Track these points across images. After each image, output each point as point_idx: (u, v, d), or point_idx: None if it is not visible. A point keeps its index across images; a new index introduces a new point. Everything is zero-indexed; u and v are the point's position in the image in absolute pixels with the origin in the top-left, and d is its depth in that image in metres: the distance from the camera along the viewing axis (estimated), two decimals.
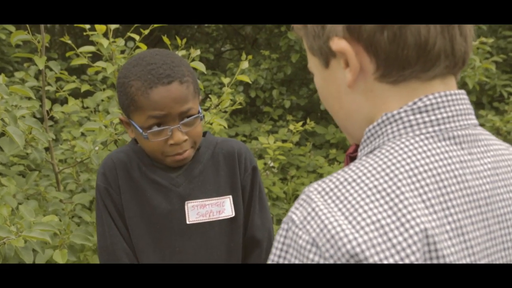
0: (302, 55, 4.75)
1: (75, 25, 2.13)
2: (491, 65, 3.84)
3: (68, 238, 1.75)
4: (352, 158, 0.75)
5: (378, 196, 0.57)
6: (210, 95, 2.42)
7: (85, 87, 2.32)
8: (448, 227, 0.57)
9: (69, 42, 2.09)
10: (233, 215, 1.32)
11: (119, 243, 1.29)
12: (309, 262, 0.55)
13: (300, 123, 3.23)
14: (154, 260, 1.28)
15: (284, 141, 3.75)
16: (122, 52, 2.50)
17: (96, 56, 2.16)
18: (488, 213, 0.62)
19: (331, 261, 0.54)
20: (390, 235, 0.54)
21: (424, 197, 0.57)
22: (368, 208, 0.56)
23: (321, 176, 3.93)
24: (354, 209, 0.56)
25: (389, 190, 0.57)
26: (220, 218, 1.31)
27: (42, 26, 1.93)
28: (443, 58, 0.63)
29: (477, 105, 4.63)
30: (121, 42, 2.10)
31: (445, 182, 0.59)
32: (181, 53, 2.06)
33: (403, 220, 0.55)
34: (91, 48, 2.04)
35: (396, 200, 0.56)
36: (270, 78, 4.88)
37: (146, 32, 2.06)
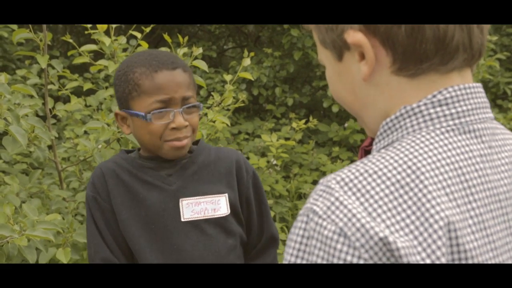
0: (305, 53, 4.74)
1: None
2: (495, 62, 3.83)
3: (71, 236, 1.75)
4: (367, 151, 0.73)
5: (401, 191, 0.55)
6: (212, 93, 2.42)
7: (87, 86, 2.32)
8: (470, 221, 0.57)
9: (71, 41, 2.09)
10: (228, 212, 1.33)
11: (100, 252, 1.29)
12: (336, 253, 0.53)
13: (303, 120, 3.22)
14: (152, 260, 1.28)
15: (287, 139, 3.75)
16: (125, 50, 2.50)
17: (98, 54, 2.16)
18: (508, 208, 0.61)
19: (362, 251, 0.52)
20: (416, 233, 0.53)
21: (448, 190, 0.57)
22: (390, 203, 0.55)
23: (324, 174, 3.93)
24: (375, 202, 0.55)
25: (412, 185, 0.56)
26: (215, 216, 1.31)
27: (44, 25, 1.92)
28: (461, 51, 0.62)
29: None
30: (123, 40, 2.10)
31: (467, 176, 0.59)
32: (182, 51, 2.06)
33: (427, 215, 0.54)
34: (93, 47, 2.03)
35: (420, 195, 0.55)
36: (272, 76, 4.88)
37: (148, 29, 2.06)
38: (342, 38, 0.64)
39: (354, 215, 0.54)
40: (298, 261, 0.57)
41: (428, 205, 0.54)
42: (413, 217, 0.54)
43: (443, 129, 0.61)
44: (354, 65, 0.65)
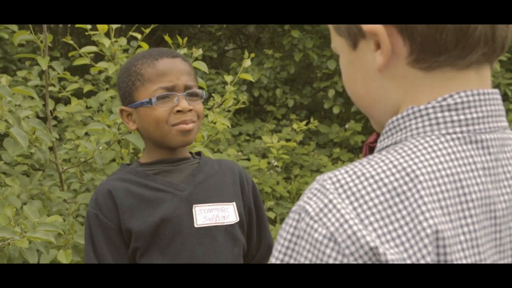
0: (306, 54, 4.74)
1: (77, 25, 2.13)
2: (496, 64, 3.83)
3: (72, 238, 1.75)
4: (372, 148, 0.71)
5: (397, 199, 0.53)
6: (213, 94, 2.42)
7: (87, 87, 2.32)
8: (462, 238, 0.54)
9: (71, 42, 2.09)
10: (238, 220, 1.33)
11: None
12: (325, 257, 0.52)
13: (304, 122, 3.22)
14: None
15: (287, 140, 3.75)
16: (125, 51, 2.50)
17: (99, 55, 2.16)
18: (502, 225, 0.58)
19: (351, 259, 0.51)
20: (407, 245, 0.52)
21: (443, 203, 0.54)
22: (384, 211, 0.53)
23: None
24: (369, 209, 0.53)
25: (408, 194, 0.54)
26: (225, 223, 1.31)
27: (44, 26, 1.93)
28: (482, 44, 0.58)
29: None
30: (123, 41, 2.10)
31: (465, 189, 0.56)
32: (182, 51, 2.06)
33: (419, 227, 0.52)
34: (93, 48, 2.04)
35: (415, 205, 0.53)
36: (273, 77, 4.88)
37: (148, 30, 2.06)
38: (358, 26, 0.61)
39: (346, 221, 0.52)
40: (286, 259, 0.55)
41: (421, 217, 0.53)
42: (405, 228, 0.52)
43: (448, 137, 0.58)
44: (369, 54, 0.62)
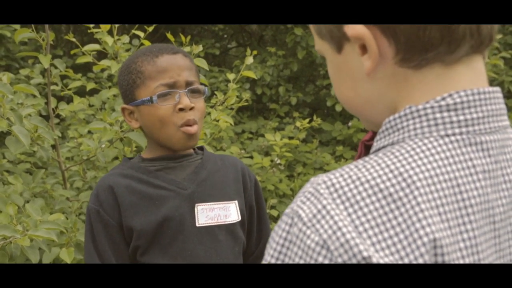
0: (309, 52, 4.73)
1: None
2: (499, 61, 3.82)
3: (74, 236, 1.74)
4: (367, 146, 0.69)
5: (393, 206, 0.52)
6: (216, 92, 2.41)
7: (90, 85, 2.32)
8: (462, 245, 0.53)
9: (74, 40, 2.09)
10: (239, 219, 1.32)
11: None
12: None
13: (307, 120, 3.22)
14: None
15: (290, 138, 3.75)
16: (128, 50, 2.50)
17: (102, 53, 2.16)
18: (501, 230, 0.57)
19: None
20: (402, 253, 0.50)
21: (441, 209, 0.53)
22: (379, 218, 0.51)
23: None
24: (364, 215, 0.51)
25: (405, 200, 0.52)
26: (226, 222, 1.30)
27: (46, 24, 1.92)
28: (468, 37, 0.57)
29: None
30: (126, 39, 2.10)
31: (464, 194, 0.54)
32: (185, 49, 2.06)
33: (415, 235, 0.51)
34: (96, 47, 2.03)
35: (411, 212, 0.51)
36: (276, 75, 4.87)
37: (150, 29, 2.06)
38: (340, 30, 0.59)
39: (339, 228, 0.51)
40: (277, 263, 0.54)
41: (418, 225, 0.51)
42: (401, 236, 0.51)
43: (446, 139, 0.56)
44: (355, 57, 0.60)
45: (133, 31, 2.10)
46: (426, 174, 0.54)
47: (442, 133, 0.56)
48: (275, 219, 3.18)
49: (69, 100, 3.42)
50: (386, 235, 0.51)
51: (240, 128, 4.58)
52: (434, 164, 0.54)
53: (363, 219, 0.51)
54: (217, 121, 2.28)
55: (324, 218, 0.52)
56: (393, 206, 0.52)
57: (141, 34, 2.07)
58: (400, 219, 0.51)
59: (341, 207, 0.52)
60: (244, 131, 4.64)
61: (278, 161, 3.43)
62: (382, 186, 0.53)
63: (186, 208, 1.27)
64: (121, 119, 1.95)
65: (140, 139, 1.85)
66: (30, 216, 1.61)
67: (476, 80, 0.59)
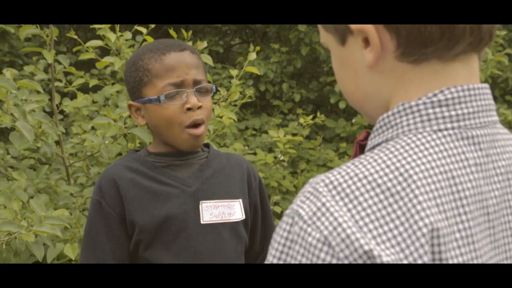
0: (312, 48, 4.72)
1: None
2: (504, 58, 3.80)
3: (78, 231, 1.75)
4: (362, 146, 0.70)
5: (391, 200, 0.53)
6: (219, 88, 2.41)
7: (93, 82, 2.33)
8: (458, 235, 0.54)
9: (76, 37, 2.09)
10: (243, 218, 1.32)
11: (88, 260, 1.26)
12: (319, 261, 0.52)
13: (310, 116, 3.21)
14: (168, 262, 1.25)
15: (294, 134, 3.74)
16: (131, 46, 2.50)
17: (105, 50, 2.16)
18: (495, 221, 0.58)
19: (346, 262, 0.51)
20: (403, 245, 0.51)
21: (438, 201, 0.54)
22: (378, 212, 0.52)
23: (331, 169, 3.92)
24: (363, 210, 0.52)
25: (403, 194, 0.53)
26: (231, 220, 1.30)
27: None
28: (468, 34, 0.58)
29: None
30: (128, 36, 2.10)
31: (459, 186, 0.56)
32: None
33: (414, 227, 0.52)
34: (98, 43, 2.04)
35: (409, 205, 0.53)
36: (280, 72, 4.87)
37: (153, 25, 2.06)
38: None
39: (340, 224, 0.52)
40: (280, 263, 0.55)
41: (416, 217, 0.52)
42: (401, 228, 0.52)
43: (439, 133, 0.58)
44: (357, 50, 0.62)
45: (135, 27, 2.10)
46: (422, 167, 0.55)
47: (435, 128, 0.58)
48: (279, 216, 3.19)
49: (73, 97, 3.43)
50: (386, 228, 0.52)
51: (243, 124, 4.58)
52: (429, 158, 0.56)
53: (362, 213, 0.52)
54: (221, 117, 2.28)
55: (324, 215, 0.53)
56: (391, 200, 0.53)
57: (144, 30, 2.07)
58: (399, 212, 0.52)
59: (341, 203, 0.53)
60: (248, 128, 4.63)
61: (282, 158, 3.42)
62: (379, 181, 0.54)
63: (190, 205, 1.27)
64: (125, 115, 1.95)
65: (144, 135, 1.85)
66: (34, 212, 1.62)
67: (470, 78, 0.61)
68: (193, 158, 1.33)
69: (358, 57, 0.62)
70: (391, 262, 0.50)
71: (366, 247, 0.50)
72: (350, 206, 0.53)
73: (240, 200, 1.33)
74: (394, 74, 0.61)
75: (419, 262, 0.51)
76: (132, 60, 1.29)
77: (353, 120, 4.51)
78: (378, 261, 0.50)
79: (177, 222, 1.25)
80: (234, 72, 2.32)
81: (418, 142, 0.57)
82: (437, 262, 0.52)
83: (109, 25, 2.02)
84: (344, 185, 0.54)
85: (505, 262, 0.59)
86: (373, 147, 0.61)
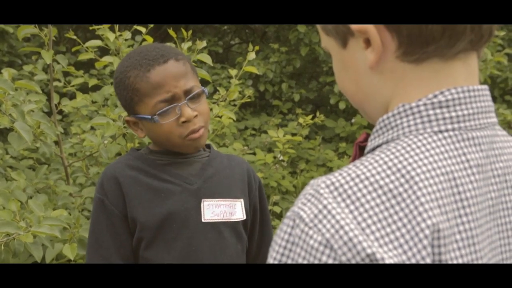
0: (312, 48, 4.72)
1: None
2: (503, 58, 3.80)
3: (77, 232, 1.75)
4: (361, 147, 0.70)
5: (393, 201, 0.53)
6: (218, 88, 2.41)
7: (92, 82, 2.32)
8: (458, 236, 0.54)
9: (75, 37, 2.09)
10: (244, 218, 1.32)
11: (93, 260, 1.26)
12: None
13: (310, 116, 3.21)
14: (169, 260, 1.25)
15: (293, 134, 3.74)
16: (130, 46, 2.50)
17: (104, 50, 2.15)
18: (491, 222, 0.58)
19: None
20: (406, 247, 0.51)
21: (440, 202, 0.54)
22: (381, 213, 0.52)
23: (330, 170, 3.92)
24: (366, 211, 0.52)
25: (405, 195, 0.53)
26: (231, 220, 1.30)
27: None
28: (469, 31, 0.58)
29: None
30: (128, 35, 2.10)
31: (460, 187, 0.56)
32: (187, 45, 2.05)
33: (417, 229, 0.52)
34: (97, 43, 2.03)
35: (412, 206, 0.52)
36: (279, 72, 4.86)
37: (152, 25, 2.06)
38: (346, 25, 0.61)
39: (342, 227, 0.51)
40: (282, 263, 0.54)
41: (419, 218, 0.52)
42: (403, 230, 0.51)
43: (440, 135, 0.58)
44: (359, 52, 0.61)
45: (135, 26, 2.09)
46: (424, 168, 0.55)
47: (436, 129, 0.58)
48: (278, 216, 3.18)
49: (72, 97, 3.42)
50: (388, 230, 0.51)
51: (243, 124, 4.57)
52: (430, 159, 0.56)
53: (365, 215, 0.52)
54: (220, 117, 2.28)
55: (325, 218, 0.52)
56: (393, 201, 0.53)
57: (143, 30, 2.07)
58: (401, 214, 0.52)
59: (342, 204, 0.53)
60: (247, 128, 4.63)
61: (281, 158, 3.42)
62: (381, 182, 0.54)
63: (192, 203, 1.27)
64: (123, 115, 1.95)
65: None
66: (33, 212, 1.61)
67: (469, 78, 0.61)
68: (195, 157, 1.33)
69: (359, 58, 0.62)
70: (394, 263, 0.50)
71: (368, 250, 0.50)
72: (352, 207, 0.53)
73: (242, 200, 1.33)
74: (394, 75, 0.61)
75: (419, 258, 0.51)
76: (119, 77, 1.27)
77: (353, 120, 4.51)
78: (381, 263, 0.50)
79: (178, 220, 1.25)
80: (233, 72, 2.32)
81: (419, 144, 0.57)
82: (437, 263, 0.52)
83: (108, 25, 2.02)
84: (346, 186, 0.54)
85: (501, 263, 0.59)
86: (374, 149, 0.61)
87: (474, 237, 0.55)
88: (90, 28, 2.03)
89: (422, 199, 0.53)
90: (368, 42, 0.60)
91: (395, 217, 0.52)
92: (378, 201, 0.53)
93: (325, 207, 0.53)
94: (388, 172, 0.54)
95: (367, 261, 0.50)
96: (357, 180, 0.54)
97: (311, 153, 4.08)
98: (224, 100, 2.35)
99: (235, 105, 2.64)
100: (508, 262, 0.60)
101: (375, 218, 0.52)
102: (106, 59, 2.03)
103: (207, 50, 4.92)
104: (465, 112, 0.59)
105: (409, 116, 0.59)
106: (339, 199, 0.53)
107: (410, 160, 0.55)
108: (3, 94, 1.66)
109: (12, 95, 1.73)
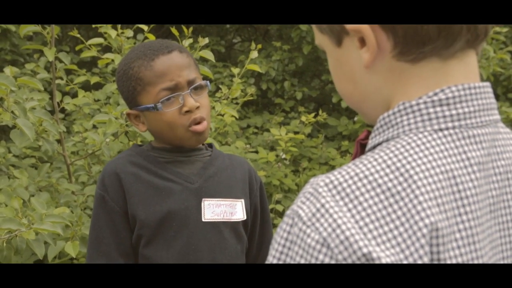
0: (314, 47, 4.72)
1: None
2: (506, 55, 3.79)
3: (80, 229, 1.75)
4: (363, 145, 0.69)
5: (391, 200, 0.53)
6: (220, 86, 2.41)
7: (94, 79, 2.32)
8: (458, 235, 0.54)
9: (78, 35, 2.09)
10: (245, 218, 1.32)
11: (96, 258, 1.26)
12: (318, 263, 0.52)
13: (312, 114, 3.21)
14: (168, 259, 1.24)
15: (296, 132, 3.74)
16: (132, 44, 2.50)
17: (107, 49, 2.16)
18: (492, 221, 0.58)
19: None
20: (403, 246, 0.51)
21: (439, 200, 0.53)
22: (379, 212, 0.52)
23: (333, 168, 3.92)
24: (364, 210, 0.52)
25: (403, 194, 0.53)
26: (232, 220, 1.30)
27: None
28: (465, 31, 0.58)
29: None
30: (130, 33, 2.10)
31: (460, 186, 0.55)
32: (188, 42, 2.05)
33: (415, 227, 0.52)
34: (100, 40, 2.03)
35: (410, 205, 0.52)
36: (281, 70, 4.86)
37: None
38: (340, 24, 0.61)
39: (339, 226, 0.51)
40: (279, 263, 0.55)
41: (417, 217, 0.52)
42: (401, 229, 0.51)
43: (440, 133, 0.57)
44: (354, 51, 0.61)
45: (137, 24, 2.09)
46: (423, 167, 0.55)
47: (436, 127, 0.58)
48: (280, 214, 3.18)
49: (74, 96, 3.42)
50: (386, 228, 0.52)
51: (245, 122, 4.57)
52: (430, 158, 0.56)
53: (363, 213, 0.52)
54: (222, 115, 2.28)
55: (323, 217, 0.52)
56: (392, 200, 0.53)
57: (145, 28, 2.07)
58: (399, 212, 0.52)
59: (341, 203, 0.53)
60: (249, 126, 4.63)
61: (283, 156, 3.42)
62: (380, 181, 0.54)
63: (192, 202, 1.27)
64: (126, 112, 1.95)
65: (145, 133, 1.85)
66: (35, 210, 1.61)
67: (469, 75, 0.61)
68: (196, 156, 1.33)
69: (355, 57, 0.62)
70: (391, 263, 0.50)
71: (364, 250, 0.50)
72: (350, 206, 0.53)
73: (242, 200, 1.33)
74: (393, 74, 0.60)
75: (419, 262, 0.51)
76: (122, 69, 1.28)
77: (355, 118, 4.51)
78: (377, 263, 0.50)
79: (178, 218, 1.25)
80: (235, 70, 2.32)
81: (419, 142, 0.57)
82: (435, 262, 0.52)
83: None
84: (345, 184, 0.54)
85: (501, 262, 0.59)
86: (374, 147, 0.61)
87: (474, 236, 0.55)
88: (93, 26, 2.03)
89: (420, 198, 0.53)
90: (363, 42, 0.60)
91: (393, 216, 0.52)
92: (376, 199, 0.53)
93: (323, 205, 0.53)
94: (387, 170, 0.54)
95: (362, 260, 0.50)
96: (355, 178, 0.54)
97: (314, 152, 4.08)
98: (226, 98, 2.34)
99: (237, 103, 2.64)
100: (509, 260, 0.60)
101: (373, 217, 0.52)
102: (108, 56, 2.03)
103: (209, 49, 4.91)
104: (466, 110, 0.58)
105: (409, 114, 0.59)
106: (337, 197, 0.53)
107: (409, 159, 0.55)
108: (4, 91, 1.66)
109: (15, 93, 1.73)
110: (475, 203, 0.56)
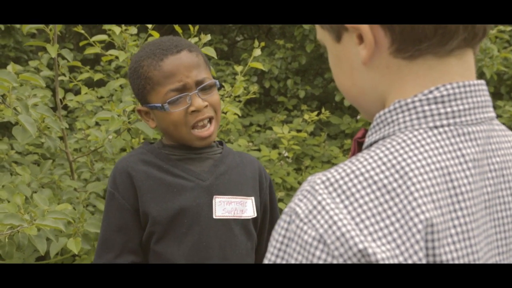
0: (317, 45, 4.71)
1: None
2: (510, 54, 3.78)
3: (82, 226, 1.75)
4: (360, 143, 0.71)
5: (387, 196, 0.54)
6: (223, 84, 2.41)
7: (97, 76, 2.32)
8: (453, 231, 0.54)
9: (83, 31, 2.09)
10: (255, 215, 1.32)
11: (103, 254, 1.27)
12: (315, 259, 0.52)
13: (315, 113, 3.20)
14: (179, 255, 1.25)
15: (298, 131, 3.74)
16: (136, 41, 2.50)
17: (110, 46, 2.16)
18: (487, 217, 0.59)
19: (340, 260, 0.51)
20: (399, 241, 0.52)
21: (434, 197, 0.54)
22: (375, 208, 0.53)
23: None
24: (360, 206, 0.53)
25: (399, 190, 0.54)
26: (242, 217, 1.30)
27: None
28: (461, 30, 0.59)
29: (495, 96, 4.56)
30: (133, 30, 2.10)
31: (455, 182, 0.56)
32: (193, 40, 2.05)
33: (410, 223, 0.52)
34: (103, 37, 2.04)
35: (405, 202, 0.53)
36: (284, 68, 4.86)
37: None
38: None
39: (335, 222, 0.52)
40: (278, 261, 0.56)
41: (412, 213, 0.53)
42: (397, 225, 0.52)
43: (435, 131, 0.58)
44: (353, 47, 0.63)
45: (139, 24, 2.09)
46: (418, 164, 0.56)
47: (431, 124, 0.59)
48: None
49: (77, 93, 3.42)
50: (382, 224, 0.52)
51: (248, 120, 4.57)
52: (425, 155, 0.56)
53: (359, 210, 0.53)
54: (225, 113, 2.27)
55: (320, 214, 0.53)
56: (387, 196, 0.54)
57: (149, 25, 2.07)
58: (395, 209, 0.53)
59: (337, 200, 0.54)
60: (252, 124, 4.63)
61: (286, 154, 3.42)
62: (376, 178, 0.55)
63: (203, 199, 1.27)
64: (128, 109, 1.95)
65: (148, 130, 1.85)
66: (37, 206, 1.61)
67: (465, 73, 0.62)
68: (208, 153, 1.34)
69: (353, 53, 0.63)
70: (386, 259, 0.51)
71: (360, 246, 0.51)
72: (346, 202, 0.54)
73: (253, 198, 1.33)
74: (390, 70, 0.61)
75: (414, 258, 0.52)
76: (133, 66, 1.29)
77: (358, 117, 4.50)
78: (372, 258, 0.51)
79: (190, 215, 1.26)
80: (238, 68, 2.32)
81: (414, 139, 0.58)
82: (430, 257, 0.53)
83: None
84: (341, 182, 0.55)
85: (496, 258, 0.60)
86: (371, 144, 0.62)
87: (469, 232, 0.56)
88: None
89: (416, 194, 0.54)
90: (361, 38, 0.61)
91: (389, 212, 0.53)
92: (372, 196, 0.54)
93: (319, 203, 0.54)
94: (383, 167, 0.55)
95: (358, 256, 0.51)
96: (352, 176, 0.55)
97: (316, 150, 4.08)
98: (229, 96, 2.34)
99: (240, 101, 2.64)
100: (504, 256, 0.61)
101: (368, 213, 0.53)
102: (112, 52, 2.03)
103: (212, 47, 4.91)
104: (461, 107, 0.59)
105: (405, 112, 0.60)
106: (334, 194, 0.54)
107: (405, 156, 0.56)
108: (6, 87, 1.66)
109: (17, 90, 1.73)
110: (470, 199, 0.56)
